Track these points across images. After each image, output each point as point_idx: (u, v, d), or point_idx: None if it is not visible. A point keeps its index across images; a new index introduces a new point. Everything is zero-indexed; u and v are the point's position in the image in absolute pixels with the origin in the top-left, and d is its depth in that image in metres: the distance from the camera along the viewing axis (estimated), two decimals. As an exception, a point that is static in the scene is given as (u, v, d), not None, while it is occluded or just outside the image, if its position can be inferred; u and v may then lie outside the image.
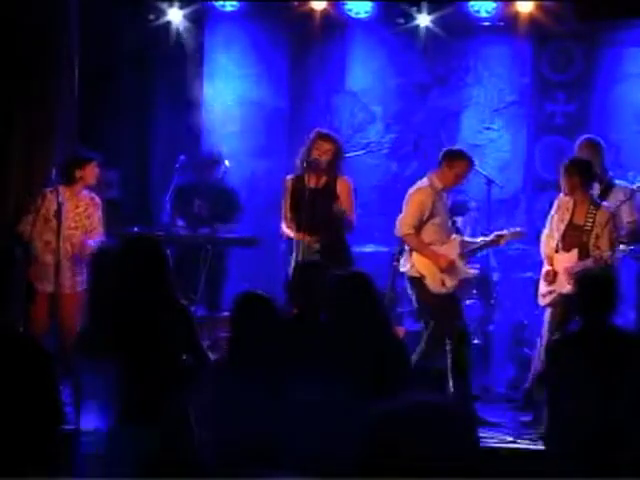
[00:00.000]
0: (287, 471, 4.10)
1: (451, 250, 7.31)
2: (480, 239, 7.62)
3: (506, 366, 8.15)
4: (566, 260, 7.14)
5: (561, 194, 7.31)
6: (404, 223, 7.19)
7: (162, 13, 9.29)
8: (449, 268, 7.24)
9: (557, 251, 7.20)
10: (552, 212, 7.37)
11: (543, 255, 7.34)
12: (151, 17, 9.29)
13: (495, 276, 8.50)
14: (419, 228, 7.18)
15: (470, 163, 7.34)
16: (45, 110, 8.32)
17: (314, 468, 4.14)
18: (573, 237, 7.16)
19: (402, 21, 9.27)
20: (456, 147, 7.65)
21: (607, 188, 7.51)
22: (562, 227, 7.21)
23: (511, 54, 9.51)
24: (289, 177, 7.45)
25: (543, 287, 7.25)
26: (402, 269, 7.36)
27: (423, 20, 9.17)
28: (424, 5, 9.10)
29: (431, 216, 7.20)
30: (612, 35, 9.22)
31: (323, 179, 7.28)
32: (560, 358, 4.97)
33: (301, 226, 7.11)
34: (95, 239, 7.58)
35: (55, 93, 8.42)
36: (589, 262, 7.00)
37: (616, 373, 4.75)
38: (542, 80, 9.49)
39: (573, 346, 4.93)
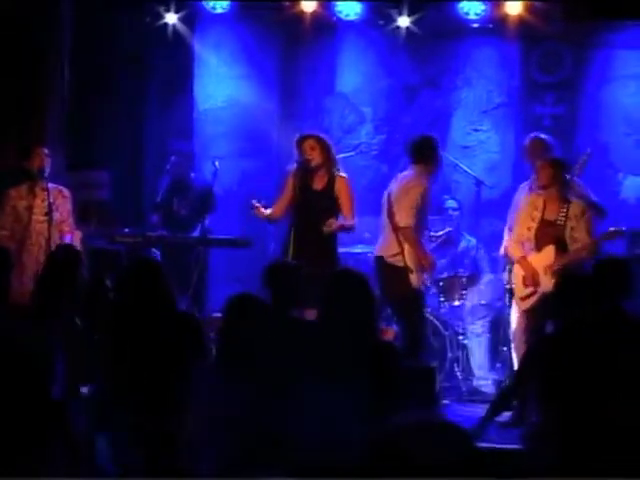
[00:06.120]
0: (283, 471, 4.10)
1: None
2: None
3: (494, 367, 8.20)
4: (544, 259, 7.08)
5: (528, 194, 7.38)
6: (409, 214, 7.20)
7: (156, 16, 9.29)
8: (429, 266, 7.38)
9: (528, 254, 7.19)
10: (515, 212, 7.39)
11: (513, 259, 7.30)
12: (147, 20, 9.30)
13: (485, 277, 8.57)
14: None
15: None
16: (36, 110, 8.39)
17: (310, 467, 4.14)
18: (546, 234, 7.11)
19: (392, 23, 9.25)
20: (426, 138, 7.60)
21: None
22: (534, 225, 7.16)
23: (500, 56, 9.54)
24: (291, 176, 7.37)
25: (522, 290, 7.17)
26: (382, 254, 7.37)
27: (412, 22, 9.15)
28: (414, 7, 9.09)
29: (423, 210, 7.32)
30: (601, 37, 9.25)
31: (323, 180, 7.28)
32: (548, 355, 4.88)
33: (295, 227, 7.14)
34: (68, 234, 7.55)
35: (47, 94, 8.49)
36: (571, 256, 6.99)
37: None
38: (531, 82, 9.52)
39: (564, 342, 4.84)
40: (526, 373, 5.05)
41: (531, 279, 7.07)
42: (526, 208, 7.26)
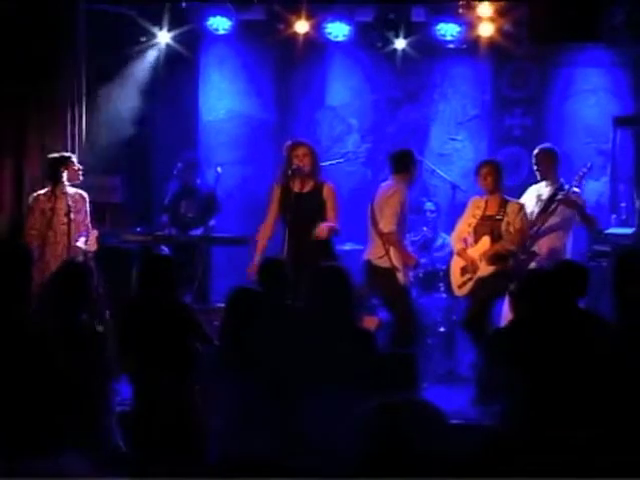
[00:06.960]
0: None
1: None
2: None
3: (469, 350, 8.25)
4: (480, 248, 7.53)
5: (474, 197, 7.80)
6: (391, 221, 7.53)
7: (151, 35, 9.59)
8: (414, 265, 7.87)
9: (467, 247, 7.65)
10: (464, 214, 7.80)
11: (454, 251, 7.80)
12: (143, 39, 9.59)
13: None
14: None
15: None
16: (57, 117, 8.63)
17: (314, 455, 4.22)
18: (484, 226, 7.55)
19: (377, 43, 9.63)
20: (405, 152, 7.85)
21: (557, 191, 7.75)
22: (474, 221, 7.60)
23: (473, 73, 9.92)
24: (276, 185, 7.59)
25: (459, 279, 7.68)
26: (369, 257, 7.67)
27: (396, 43, 9.58)
28: (397, 30, 9.47)
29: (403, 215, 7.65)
30: (563, 57, 9.69)
31: (309, 185, 7.48)
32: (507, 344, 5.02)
33: (289, 227, 7.34)
34: (82, 233, 7.75)
35: (66, 102, 8.70)
36: (504, 243, 7.42)
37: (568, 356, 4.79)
38: (501, 96, 9.91)
39: (521, 332, 4.99)
40: (489, 361, 5.34)
41: (471, 267, 7.59)
42: (470, 208, 7.73)
